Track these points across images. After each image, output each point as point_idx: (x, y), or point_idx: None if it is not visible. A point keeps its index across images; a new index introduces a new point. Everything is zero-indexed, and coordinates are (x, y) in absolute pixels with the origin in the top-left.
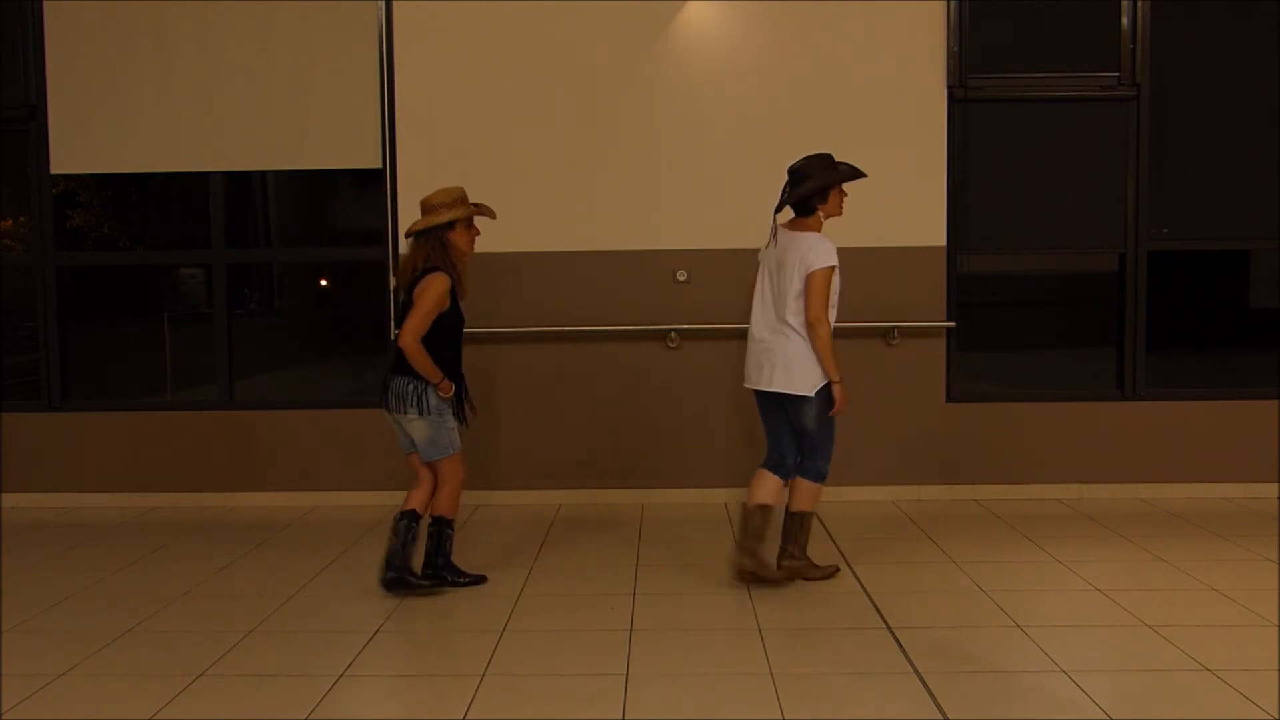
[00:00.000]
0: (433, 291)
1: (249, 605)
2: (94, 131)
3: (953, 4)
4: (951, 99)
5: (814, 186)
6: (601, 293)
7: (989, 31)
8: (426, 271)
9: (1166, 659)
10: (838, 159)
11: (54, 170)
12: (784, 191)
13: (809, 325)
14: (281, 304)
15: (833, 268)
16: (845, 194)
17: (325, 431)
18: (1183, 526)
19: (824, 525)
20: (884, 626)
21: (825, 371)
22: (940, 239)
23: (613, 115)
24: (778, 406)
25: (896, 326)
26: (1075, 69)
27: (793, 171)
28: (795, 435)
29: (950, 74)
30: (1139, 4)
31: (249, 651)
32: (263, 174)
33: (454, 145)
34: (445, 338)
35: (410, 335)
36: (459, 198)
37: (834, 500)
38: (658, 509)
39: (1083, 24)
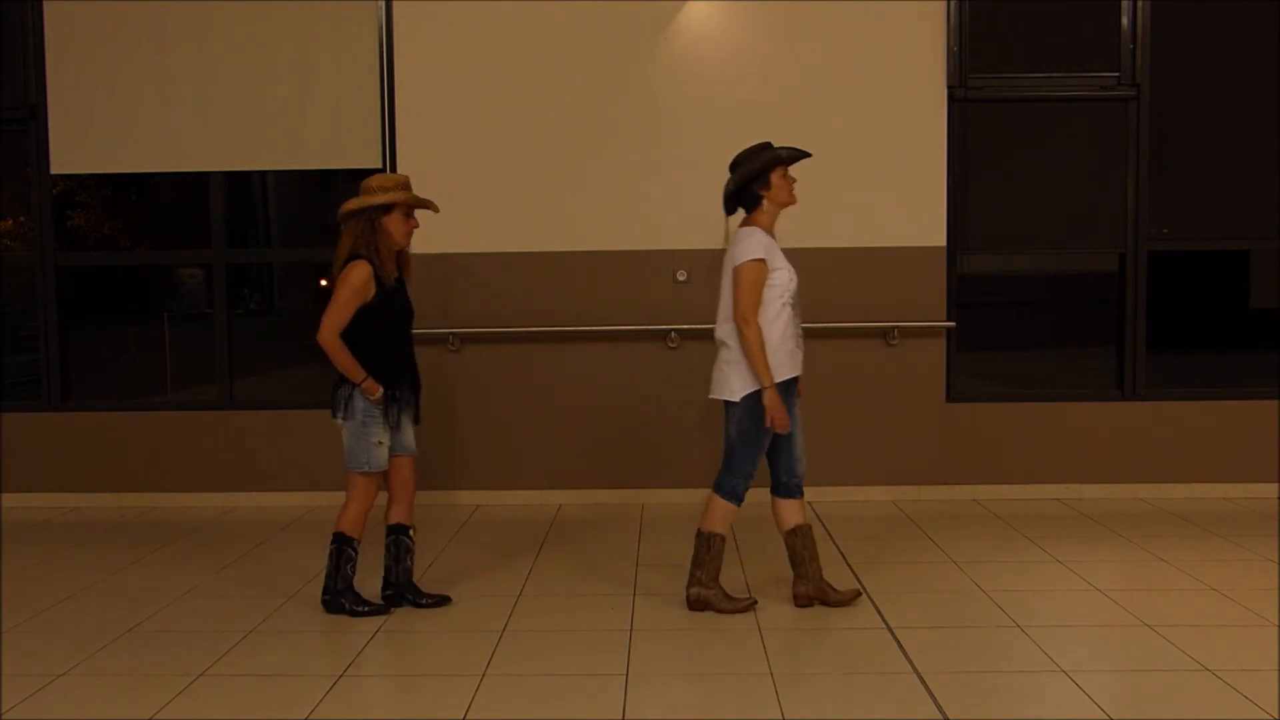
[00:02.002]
0: (350, 281)
1: (249, 605)
2: (94, 131)
3: (953, 4)
4: (951, 99)
5: (743, 174)
6: (601, 293)
7: (989, 31)
8: (349, 260)
9: (1166, 659)
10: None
11: (54, 170)
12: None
13: (739, 322)
14: (281, 304)
15: (759, 261)
16: (793, 179)
17: (325, 431)
18: (1183, 526)
19: (824, 526)
20: (884, 626)
21: (756, 376)
22: (940, 239)
23: (613, 115)
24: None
25: (896, 326)
26: (1075, 69)
27: (730, 166)
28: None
29: (950, 74)
30: (1139, 4)
31: (249, 651)
32: (262, 174)
33: (454, 145)
34: (376, 332)
35: (325, 329)
36: (401, 184)
37: (834, 500)
38: (658, 509)
39: (1083, 24)
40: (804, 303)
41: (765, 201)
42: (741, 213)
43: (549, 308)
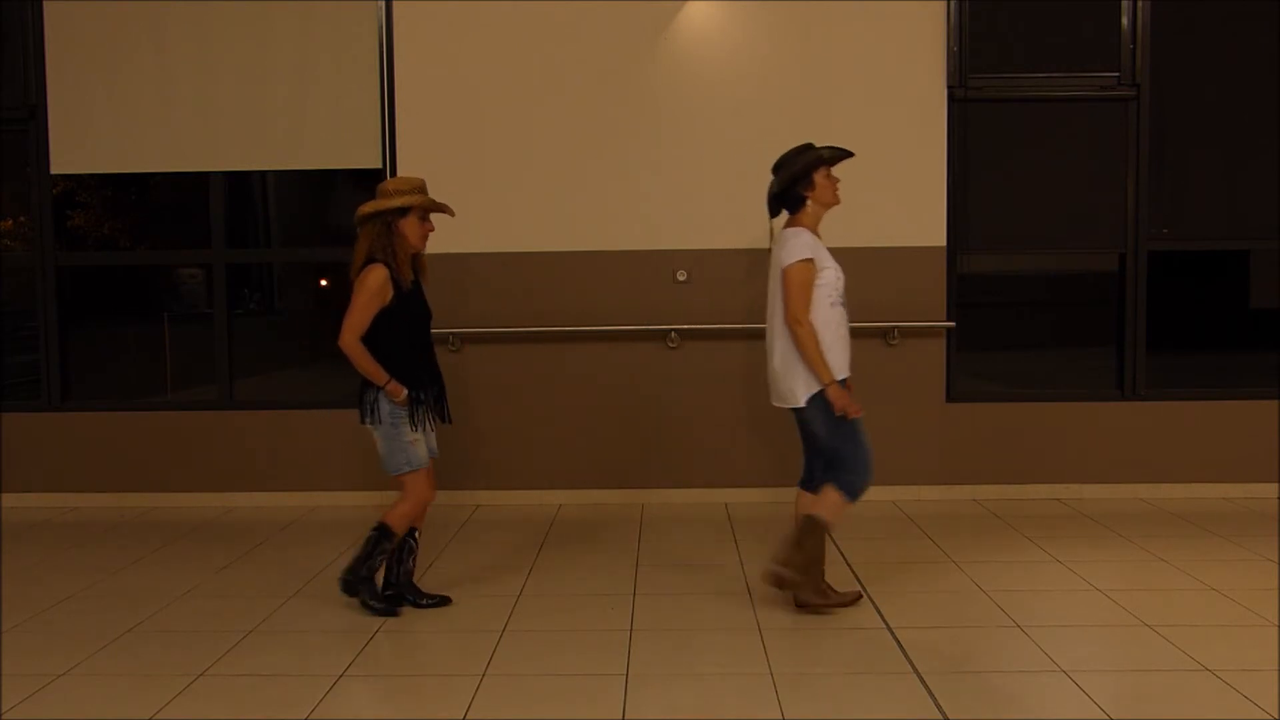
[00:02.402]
0: (367, 285)
1: (249, 605)
2: (94, 131)
3: (953, 4)
4: (951, 99)
5: (787, 175)
6: (601, 293)
7: (989, 31)
8: (367, 263)
9: (1166, 659)
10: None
11: (54, 170)
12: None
13: (791, 324)
14: (281, 304)
15: (807, 261)
16: (836, 179)
17: (325, 431)
18: (1183, 526)
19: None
20: (884, 626)
21: (814, 375)
22: (940, 239)
23: (613, 115)
24: (796, 421)
25: (896, 326)
26: (1075, 69)
27: (772, 169)
28: (819, 451)
29: (950, 74)
30: (1139, 4)
31: (249, 651)
32: (262, 174)
33: (454, 145)
34: (396, 334)
35: (346, 334)
36: (417, 187)
37: None
38: (658, 509)
39: (1083, 24)
40: None
41: (809, 202)
42: (785, 215)
43: (549, 308)
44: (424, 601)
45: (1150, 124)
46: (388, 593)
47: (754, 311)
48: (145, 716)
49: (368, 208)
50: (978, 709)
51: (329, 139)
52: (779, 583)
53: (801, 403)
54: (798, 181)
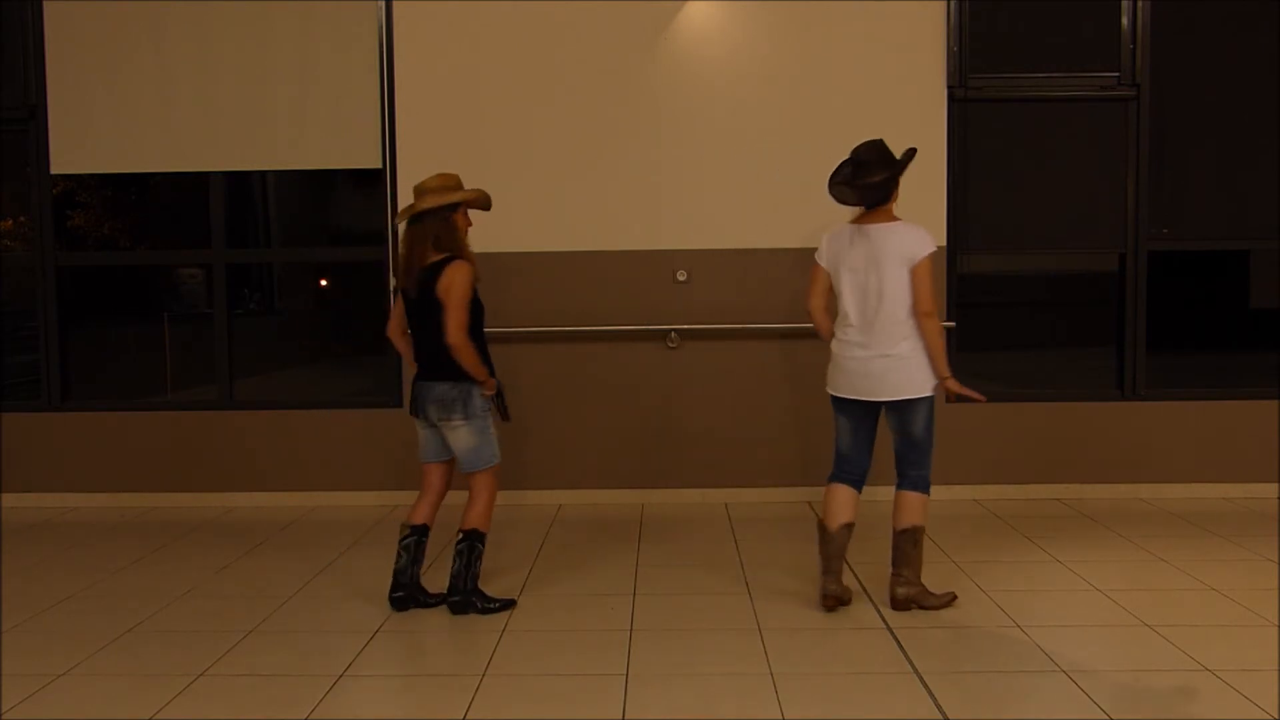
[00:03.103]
0: (461, 281)
1: (249, 605)
2: (94, 131)
3: (952, 4)
4: (951, 99)
5: (899, 168)
6: (601, 293)
7: (989, 31)
8: (445, 261)
9: (1166, 659)
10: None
11: (54, 170)
12: (838, 183)
13: (925, 316)
14: (281, 304)
15: (934, 254)
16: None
17: (325, 431)
18: (1183, 526)
19: None
20: (884, 626)
21: (935, 368)
22: (940, 239)
23: (613, 115)
24: (877, 416)
25: None
26: (1075, 69)
27: (860, 163)
28: (902, 443)
29: (950, 74)
30: (1139, 4)
31: (249, 651)
32: (262, 174)
33: (454, 145)
34: (475, 329)
35: (455, 331)
36: (459, 183)
37: None
38: (658, 509)
39: (1083, 24)
40: (802, 303)
41: (897, 195)
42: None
43: (548, 308)
44: (431, 600)
45: (1150, 124)
46: (397, 594)
47: (753, 311)
48: (145, 716)
49: (428, 203)
50: (978, 709)
51: (329, 139)
52: (908, 604)
53: (928, 392)
54: (892, 180)
